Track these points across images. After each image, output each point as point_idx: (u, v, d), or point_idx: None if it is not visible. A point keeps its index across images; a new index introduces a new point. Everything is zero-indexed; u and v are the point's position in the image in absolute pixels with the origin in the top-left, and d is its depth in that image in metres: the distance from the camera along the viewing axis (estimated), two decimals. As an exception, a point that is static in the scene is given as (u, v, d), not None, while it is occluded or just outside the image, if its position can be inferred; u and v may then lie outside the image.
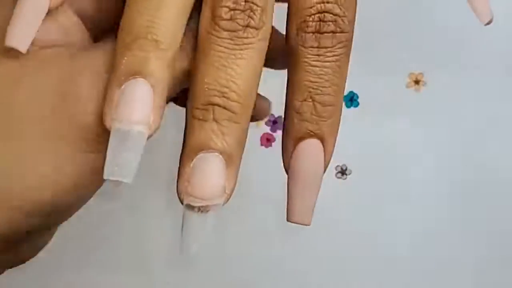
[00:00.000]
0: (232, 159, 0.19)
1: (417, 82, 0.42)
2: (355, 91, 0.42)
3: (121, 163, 0.18)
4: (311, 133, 0.20)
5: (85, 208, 0.22)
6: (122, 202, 0.42)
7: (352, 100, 0.42)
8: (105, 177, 0.17)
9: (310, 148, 0.20)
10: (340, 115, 0.20)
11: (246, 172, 0.43)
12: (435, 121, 0.43)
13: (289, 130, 0.20)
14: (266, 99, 0.23)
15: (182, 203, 0.18)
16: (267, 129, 0.42)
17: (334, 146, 0.20)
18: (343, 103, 0.42)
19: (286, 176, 0.21)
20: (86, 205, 0.22)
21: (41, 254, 0.23)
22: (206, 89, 0.18)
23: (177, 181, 0.19)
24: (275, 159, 0.42)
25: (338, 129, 0.21)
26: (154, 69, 0.17)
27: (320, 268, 0.43)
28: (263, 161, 0.42)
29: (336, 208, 0.42)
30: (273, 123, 0.42)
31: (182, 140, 0.19)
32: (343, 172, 0.42)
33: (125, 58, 0.17)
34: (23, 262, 0.22)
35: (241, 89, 0.18)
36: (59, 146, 0.18)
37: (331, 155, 0.20)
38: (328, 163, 0.20)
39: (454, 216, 0.43)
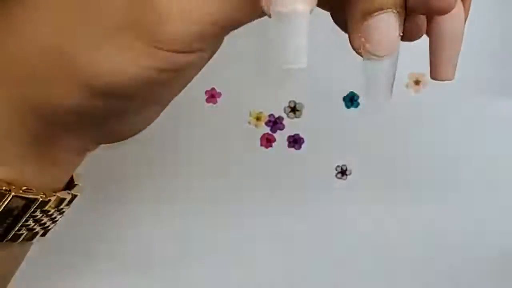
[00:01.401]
0: (401, 10, 0.19)
1: (417, 82, 0.42)
2: (355, 92, 0.42)
3: (293, 49, 0.17)
4: None
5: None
6: (120, 202, 0.42)
7: (352, 100, 0.42)
8: (282, 67, 0.17)
9: (455, 11, 0.20)
10: None
11: (246, 172, 0.43)
12: (435, 121, 0.43)
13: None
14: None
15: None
16: (267, 129, 0.42)
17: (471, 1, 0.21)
18: (343, 104, 0.42)
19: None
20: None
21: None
22: None
23: (354, 39, 0.19)
24: (275, 159, 0.42)
25: None
26: None
27: (320, 268, 0.43)
28: (263, 161, 0.42)
29: (336, 208, 0.42)
30: (273, 123, 0.42)
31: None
32: (343, 172, 0.42)
33: None
34: (120, 139, 0.23)
35: None
36: (135, 41, 0.18)
37: (468, 11, 0.21)
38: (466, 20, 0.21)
39: (454, 216, 0.43)
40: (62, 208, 0.25)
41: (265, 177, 0.42)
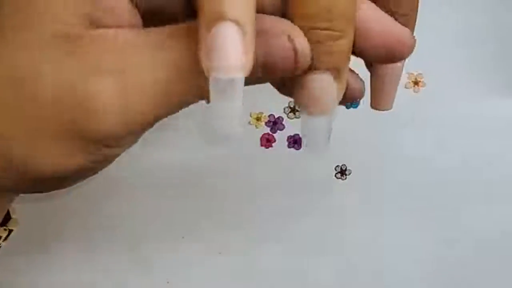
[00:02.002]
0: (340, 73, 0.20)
1: (416, 82, 0.42)
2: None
3: (226, 114, 0.18)
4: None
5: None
6: (120, 203, 0.42)
7: (351, 100, 0.42)
8: (214, 135, 0.18)
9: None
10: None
11: (246, 172, 0.43)
12: (434, 121, 0.43)
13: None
14: (361, 80, 0.23)
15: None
16: (267, 130, 0.42)
17: (414, 42, 0.21)
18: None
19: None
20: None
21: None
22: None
23: (295, 97, 0.20)
24: (275, 160, 0.42)
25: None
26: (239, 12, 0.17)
27: (320, 268, 0.43)
28: (263, 162, 0.42)
29: (336, 208, 0.43)
30: (273, 123, 0.42)
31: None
32: (342, 172, 0.42)
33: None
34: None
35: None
36: (70, 140, 0.19)
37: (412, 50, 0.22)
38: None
39: (454, 215, 0.43)
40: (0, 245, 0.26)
41: (265, 177, 0.42)
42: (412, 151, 0.43)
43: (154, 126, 0.20)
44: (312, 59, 0.19)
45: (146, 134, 0.21)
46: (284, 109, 0.42)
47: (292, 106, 0.42)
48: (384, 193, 0.43)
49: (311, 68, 0.19)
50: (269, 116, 0.42)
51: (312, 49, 0.18)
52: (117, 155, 0.21)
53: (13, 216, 0.27)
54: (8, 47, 0.18)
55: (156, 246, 0.42)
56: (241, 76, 0.17)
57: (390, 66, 0.22)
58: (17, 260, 0.40)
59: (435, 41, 0.42)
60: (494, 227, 0.43)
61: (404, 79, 0.42)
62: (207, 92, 0.18)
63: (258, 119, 0.42)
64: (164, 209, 0.42)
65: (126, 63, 0.18)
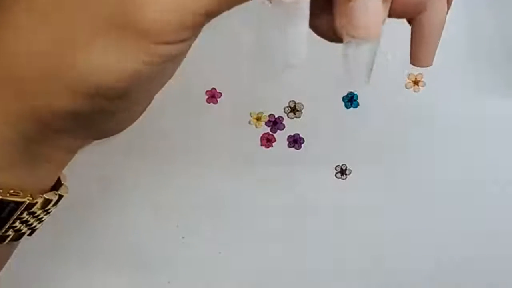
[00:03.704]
0: None
1: (416, 82, 0.42)
2: (354, 92, 0.42)
3: (293, 38, 0.18)
4: None
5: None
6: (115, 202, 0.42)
7: (351, 100, 0.42)
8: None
9: (437, 3, 0.21)
10: None
11: (246, 172, 0.43)
12: (434, 121, 0.43)
13: None
14: None
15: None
16: (267, 129, 0.42)
17: None
18: (342, 104, 0.42)
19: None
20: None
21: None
22: None
23: (337, 22, 0.19)
24: (275, 159, 0.42)
25: None
26: None
27: (320, 268, 0.43)
28: (263, 161, 0.42)
29: (336, 208, 0.43)
30: (273, 123, 0.42)
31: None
32: (342, 172, 0.42)
33: None
34: (109, 135, 0.23)
35: None
36: (122, 40, 0.18)
37: (451, 3, 0.22)
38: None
39: (453, 215, 0.43)
40: (49, 209, 0.25)
41: (265, 177, 0.42)
42: (412, 151, 0.43)
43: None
44: None
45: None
46: (284, 108, 0.42)
47: (292, 106, 0.42)
48: (384, 193, 0.43)
49: None
50: (269, 115, 0.42)
51: None
52: (172, 56, 0.19)
53: (64, 182, 0.26)
54: None
55: (156, 246, 0.42)
56: None
57: (431, 15, 0.21)
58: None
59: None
60: (495, 226, 0.43)
61: (404, 79, 0.42)
62: None
63: (258, 119, 0.42)
64: (164, 209, 0.42)
65: None
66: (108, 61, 0.18)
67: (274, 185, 0.42)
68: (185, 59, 0.22)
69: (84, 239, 0.41)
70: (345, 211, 0.43)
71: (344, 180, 0.43)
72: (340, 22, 0.19)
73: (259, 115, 0.42)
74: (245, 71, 0.41)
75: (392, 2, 0.19)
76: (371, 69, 0.20)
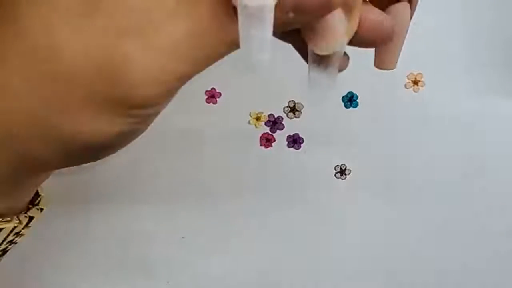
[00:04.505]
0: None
1: (416, 82, 0.42)
2: (354, 92, 0.42)
3: (257, 43, 0.18)
4: None
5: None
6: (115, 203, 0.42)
7: (351, 100, 0.42)
8: (248, 61, 0.19)
9: (401, 8, 0.22)
10: None
11: (246, 172, 0.43)
12: (434, 121, 0.43)
13: None
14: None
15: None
16: (267, 129, 0.42)
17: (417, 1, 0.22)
18: (342, 104, 0.42)
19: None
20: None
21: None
22: None
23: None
24: (275, 159, 0.42)
25: None
26: None
27: (320, 267, 0.43)
28: (263, 161, 0.42)
29: (336, 207, 0.43)
30: (273, 123, 0.42)
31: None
32: (342, 172, 0.42)
33: None
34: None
35: None
36: (109, 107, 0.19)
37: (415, 9, 0.22)
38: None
39: (453, 215, 0.43)
40: (30, 225, 0.26)
41: (265, 177, 0.42)
42: (412, 150, 0.43)
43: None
44: None
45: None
46: (284, 109, 0.42)
47: (291, 106, 0.42)
48: (384, 193, 0.43)
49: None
50: (268, 116, 0.42)
51: None
52: (158, 113, 0.20)
53: (41, 194, 0.26)
54: (25, 22, 0.18)
55: (156, 246, 0.42)
56: (270, 2, 0.17)
57: (397, 19, 0.22)
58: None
59: (435, 41, 0.42)
60: (496, 225, 0.43)
61: (404, 79, 0.42)
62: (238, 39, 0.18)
63: (257, 119, 0.42)
64: (164, 209, 0.42)
65: (151, 19, 0.18)
66: (96, 126, 0.19)
67: (273, 185, 0.42)
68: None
69: (84, 239, 0.41)
70: (345, 211, 0.43)
71: (344, 180, 0.43)
72: (308, 37, 0.20)
73: (259, 115, 0.42)
74: (245, 71, 0.41)
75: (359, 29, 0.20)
76: (334, 80, 0.21)
